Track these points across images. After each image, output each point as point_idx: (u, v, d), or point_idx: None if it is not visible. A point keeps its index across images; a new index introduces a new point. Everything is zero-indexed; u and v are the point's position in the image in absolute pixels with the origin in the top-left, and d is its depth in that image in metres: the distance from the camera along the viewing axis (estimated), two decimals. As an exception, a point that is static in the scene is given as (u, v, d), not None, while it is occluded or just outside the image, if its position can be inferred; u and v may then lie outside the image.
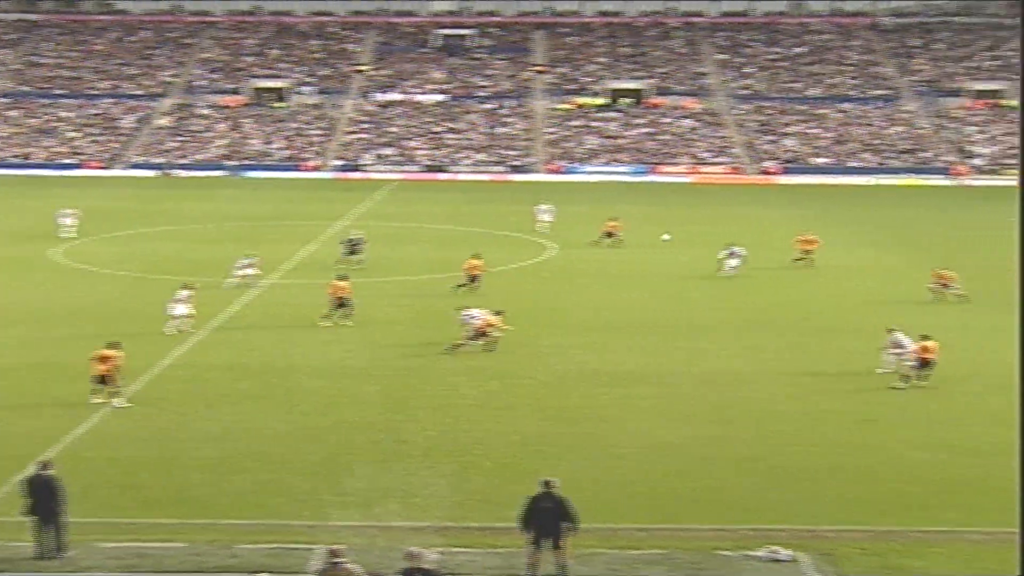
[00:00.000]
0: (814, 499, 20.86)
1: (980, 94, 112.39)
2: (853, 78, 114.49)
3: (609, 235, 54.33)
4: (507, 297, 39.18)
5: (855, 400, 27.44)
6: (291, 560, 17.98)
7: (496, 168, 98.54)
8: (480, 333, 32.02)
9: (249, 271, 42.14)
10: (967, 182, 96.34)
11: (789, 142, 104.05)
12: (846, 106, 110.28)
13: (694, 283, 44.16)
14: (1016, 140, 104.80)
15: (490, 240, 56.21)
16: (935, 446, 23.86)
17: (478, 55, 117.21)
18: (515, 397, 27.63)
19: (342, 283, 36.20)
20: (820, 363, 31.17)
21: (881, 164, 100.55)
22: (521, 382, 28.98)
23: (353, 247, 46.89)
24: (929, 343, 28.99)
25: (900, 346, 29.28)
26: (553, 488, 17.42)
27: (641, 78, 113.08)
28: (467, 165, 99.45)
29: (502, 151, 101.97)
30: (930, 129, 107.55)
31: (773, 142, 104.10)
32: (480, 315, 32.57)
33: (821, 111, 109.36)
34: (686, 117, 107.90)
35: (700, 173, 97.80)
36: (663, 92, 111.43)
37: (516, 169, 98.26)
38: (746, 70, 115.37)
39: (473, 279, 40.75)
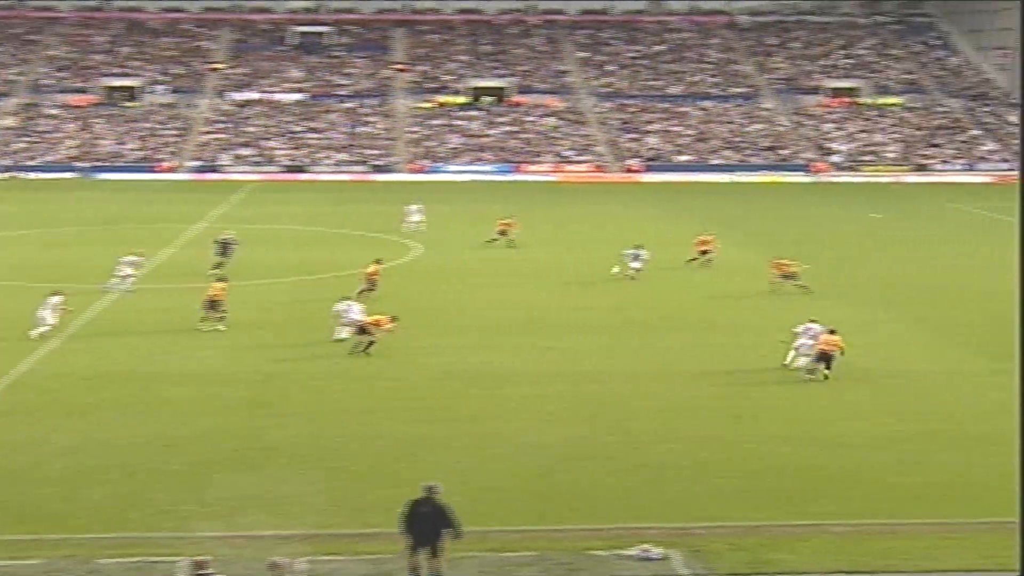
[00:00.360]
0: (684, 496, 21.18)
1: (836, 92, 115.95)
2: (713, 76, 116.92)
3: (502, 233, 54.13)
4: (375, 299, 38.95)
5: (721, 396, 27.99)
6: (154, 573, 17.56)
7: (358, 168, 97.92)
8: (361, 330, 31.73)
9: (130, 271, 41.26)
10: (826, 179, 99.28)
11: (651, 140, 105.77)
12: (707, 104, 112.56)
13: (563, 283, 44.50)
14: (872, 137, 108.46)
15: (354, 241, 55.83)
16: (801, 440, 24.47)
17: (336, 53, 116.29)
18: (384, 399, 27.48)
19: (219, 284, 35.96)
20: (685, 360, 31.72)
21: (742, 161, 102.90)
22: (390, 384, 28.84)
23: (225, 248, 45.96)
24: (832, 337, 29.61)
25: (815, 338, 29.73)
26: (435, 494, 17.31)
27: (503, 76, 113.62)
28: (328, 165, 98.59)
29: (363, 151, 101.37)
30: (789, 127, 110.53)
31: (636, 140, 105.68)
32: (357, 309, 32.60)
33: (682, 109, 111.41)
34: (549, 115, 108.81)
35: (564, 172, 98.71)
36: (525, 90, 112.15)
37: (378, 169, 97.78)
38: (607, 68, 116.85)
39: (371, 284, 40.34)
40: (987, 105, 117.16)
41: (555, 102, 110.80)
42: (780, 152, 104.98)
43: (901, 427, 25.39)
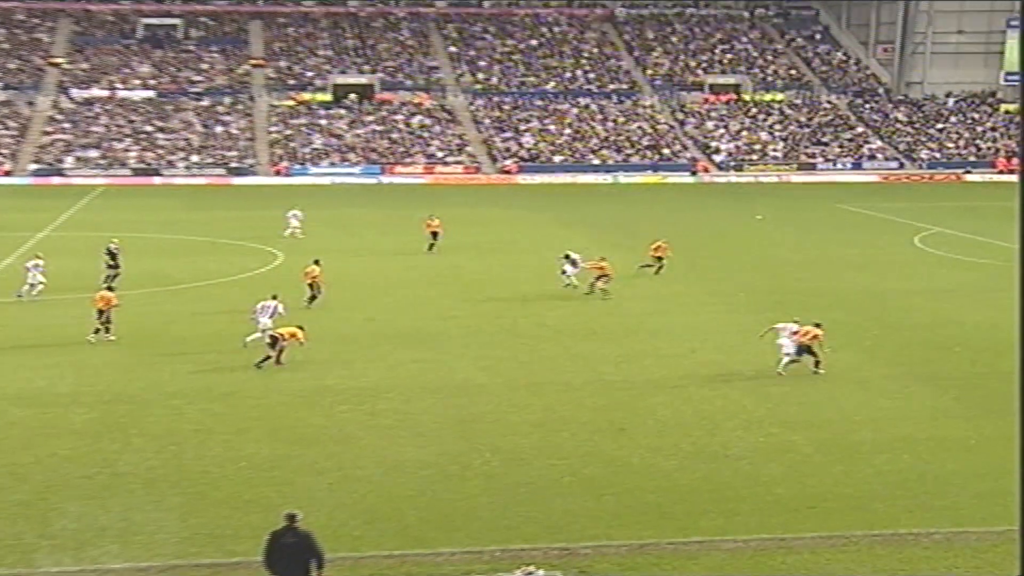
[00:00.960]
0: (568, 514, 21.31)
1: (718, 88, 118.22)
2: (590, 72, 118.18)
3: (435, 235, 54.35)
4: (235, 311, 38.46)
5: (604, 408, 28.27)
6: (-6, 616, 17.06)
7: (215, 171, 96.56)
8: (275, 340, 31.80)
9: (38, 274, 41.09)
10: (710, 179, 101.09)
11: (527, 139, 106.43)
12: (584, 101, 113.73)
13: (435, 292, 44.48)
14: (756, 135, 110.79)
15: (214, 249, 55.02)
16: (687, 452, 24.83)
17: (188, 47, 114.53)
18: (246, 419, 27.13)
19: (106, 294, 35.96)
20: (565, 371, 31.97)
21: (623, 161, 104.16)
22: (254, 402, 28.49)
23: (114, 257, 45.19)
24: (812, 330, 31.47)
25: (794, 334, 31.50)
26: (297, 522, 16.99)
27: (368, 72, 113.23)
28: (182, 168, 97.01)
29: (221, 152, 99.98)
30: (671, 125, 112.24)
31: (511, 139, 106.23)
32: (281, 309, 33.25)
33: (559, 106, 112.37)
34: (418, 114, 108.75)
35: (436, 173, 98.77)
36: (392, 87, 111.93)
37: (237, 172, 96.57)
38: (479, 64, 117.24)
39: (312, 288, 40.53)
40: (872, 101, 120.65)
41: (425, 99, 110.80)
42: (662, 151, 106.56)
43: (790, 436, 25.93)
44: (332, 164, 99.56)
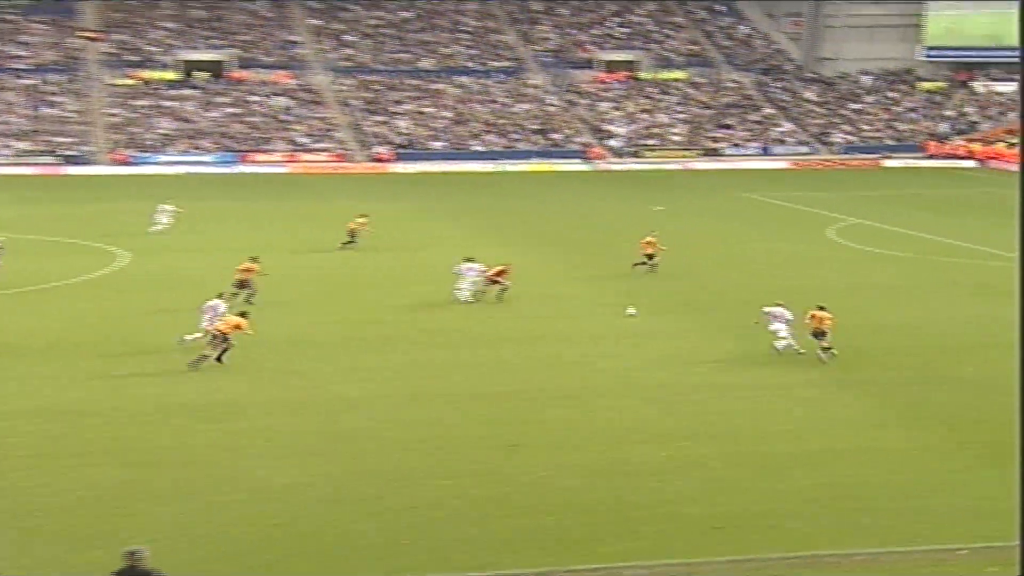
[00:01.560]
0: (457, 541, 21.33)
1: (612, 66, 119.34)
2: (470, 48, 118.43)
3: (352, 235, 54.48)
4: (70, 318, 37.80)
5: (497, 422, 28.34)
6: None
7: (44, 159, 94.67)
8: (222, 337, 32.59)
9: None
10: (605, 166, 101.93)
11: (402, 123, 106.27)
12: (464, 80, 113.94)
13: (299, 294, 44.18)
14: (654, 117, 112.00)
15: (45, 248, 53.98)
16: (587, 470, 24.99)
17: (8, 16, 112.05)
18: (87, 441, 26.67)
19: None
20: (454, 381, 31.99)
21: (508, 147, 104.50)
22: (96, 421, 28.02)
23: None
24: (822, 313, 34.21)
25: (785, 320, 34.53)
26: (139, 560, 16.45)
27: (220, 48, 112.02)
28: (6, 156, 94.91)
29: (51, 138, 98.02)
30: (560, 106, 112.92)
31: (384, 123, 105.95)
32: (221, 308, 34.06)
33: (436, 86, 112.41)
34: (278, 94, 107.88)
35: (300, 162, 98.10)
36: (248, 64, 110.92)
37: (71, 160, 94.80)
38: (346, 39, 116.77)
39: (243, 285, 41.07)
40: (780, 79, 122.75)
41: (285, 78, 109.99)
42: (551, 136, 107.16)
43: (700, 450, 26.25)
44: (181, 151, 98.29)
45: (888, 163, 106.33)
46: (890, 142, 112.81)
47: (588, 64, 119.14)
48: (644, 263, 48.33)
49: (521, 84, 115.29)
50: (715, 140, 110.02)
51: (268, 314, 40.43)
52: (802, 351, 34.24)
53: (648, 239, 48.98)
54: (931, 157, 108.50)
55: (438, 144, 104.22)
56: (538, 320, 39.80)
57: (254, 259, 42.68)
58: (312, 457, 25.76)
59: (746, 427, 27.99)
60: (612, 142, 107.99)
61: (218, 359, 32.70)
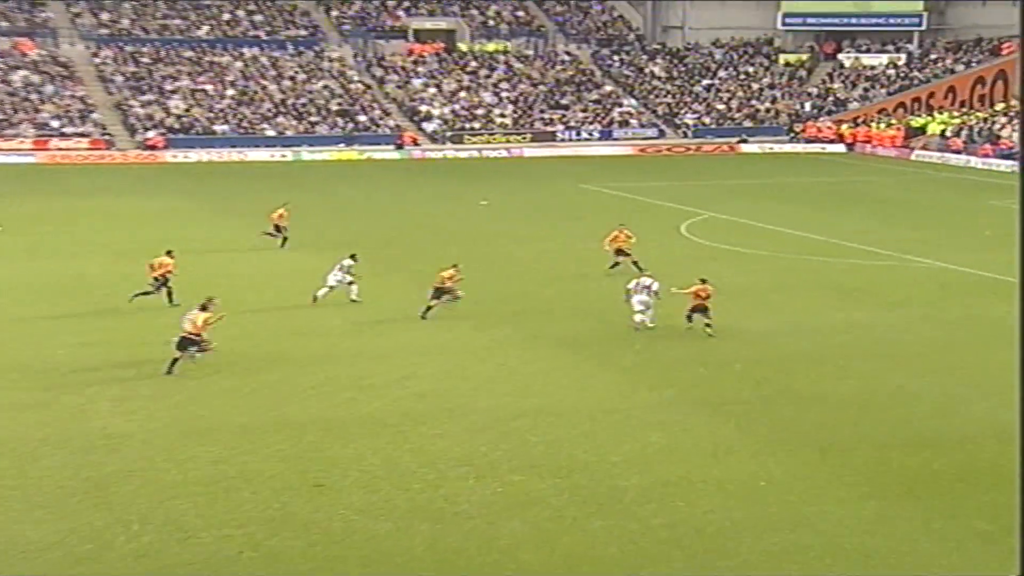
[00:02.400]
0: (248, 601, 21.08)
1: (425, 35, 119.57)
2: (257, 14, 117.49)
3: (278, 229, 55.76)
4: None
5: (293, 457, 28.06)
6: None
7: None
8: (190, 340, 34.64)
9: None
10: (421, 154, 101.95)
11: (176, 103, 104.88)
12: (251, 52, 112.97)
13: (50, 307, 43.32)
14: (477, 96, 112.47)
15: None
16: (401, 511, 24.83)
17: None
18: None
19: None
20: (237, 411, 31.62)
21: (306, 132, 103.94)
22: None
23: None
24: (702, 287, 39.29)
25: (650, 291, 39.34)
26: None
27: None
28: None
29: None
30: (366, 84, 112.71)
31: (153, 103, 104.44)
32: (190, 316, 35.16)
33: (217, 59, 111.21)
34: (20, 68, 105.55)
35: (52, 149, 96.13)
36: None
37: None
38: (105, 1, 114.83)
39: (163, 282, 42.93)
40: (622, 52, 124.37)
41: (29, 48, 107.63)
42: (357, 119, 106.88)
43: (535, 485, 26.29)
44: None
45: (746, 148, 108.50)
46: (748, 124, 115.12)
47: (399, 34, 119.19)
48: (617, 263, 49.25)
49: (319, 58, 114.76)
50: (547, 122, 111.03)
51: (10, 334, 39.50)
52: (651, 325, 39.51)
53: (616, 233, 50.14)
54: (794, 140, 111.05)
55: (221, 128, 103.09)
56: (342, 336, 39.58)
57: (169, 253, 43.80)
58: (69, 506, 25.16)
59: (587, 457, 28.12)
60: (428, 125, 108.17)
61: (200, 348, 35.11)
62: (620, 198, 75.09)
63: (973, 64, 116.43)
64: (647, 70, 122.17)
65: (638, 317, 39.55)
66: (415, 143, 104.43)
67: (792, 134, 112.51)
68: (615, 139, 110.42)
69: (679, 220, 64.26)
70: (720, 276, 49.61)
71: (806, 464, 27.63)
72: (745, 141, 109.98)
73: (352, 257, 44.80)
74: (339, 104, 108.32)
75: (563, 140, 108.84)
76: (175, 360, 34.74)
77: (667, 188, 78.67)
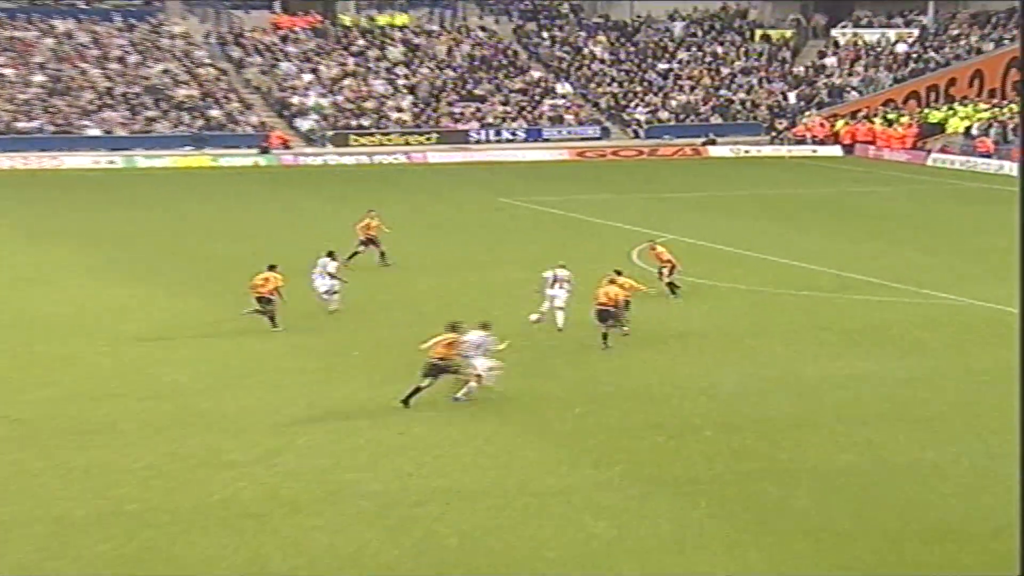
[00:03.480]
0: None
1: (298, 5, 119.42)
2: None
3: (370, 242, 58.42)
4: None
5: (126, 562, 27.86)
6: None
7: None
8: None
9: None
10: (294, 160, 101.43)
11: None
12: (65, 25, 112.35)
13: None
14: (368, 84, 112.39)
15: None
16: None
17: None
18: None
19: None
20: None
21: (143, 132, 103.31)
22: None
23: None
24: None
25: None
26: None
27: None
28: None
29: None
30: (221, 68, 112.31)
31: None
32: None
33: (23, 33, 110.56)
34: None
35: None
36: None
37: None
38: None
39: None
40: (553, 28, 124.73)
41: None
42: (208, 114, 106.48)
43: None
44: None
45: (715, 151, 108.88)
46: (717, 120, 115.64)
47: (262, 2, 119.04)
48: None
49: (156, 33, 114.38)
50: (458, 118, 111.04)
51: None
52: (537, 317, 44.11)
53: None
54: (777, 140, 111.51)
55: (27, 126, 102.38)
56: (202, 395, 39.39)
57: (273, 268, 47.67)
58: None
59: (518, 553, 28.01)
60: (302, 123, 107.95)
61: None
62: (552, 216, 75.07)
63: (1005, 42, 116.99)
64: (586, 50, 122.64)
65: (555, 313, 44.78)
66: (285, 145, 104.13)
67: (774, 132, 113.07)
68: (546, 140, 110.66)
69: (629, 244, 64.13)
70: (684, 317, 49.85)
71: (797, 557, 27.69)
72: (713, 142, 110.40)
73: (330, 255, 49.06)
74: (185, 94, 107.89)
75: (478, 141, 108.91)
76: (418, 389, 37.80)
77: (614, 203, 78.86)
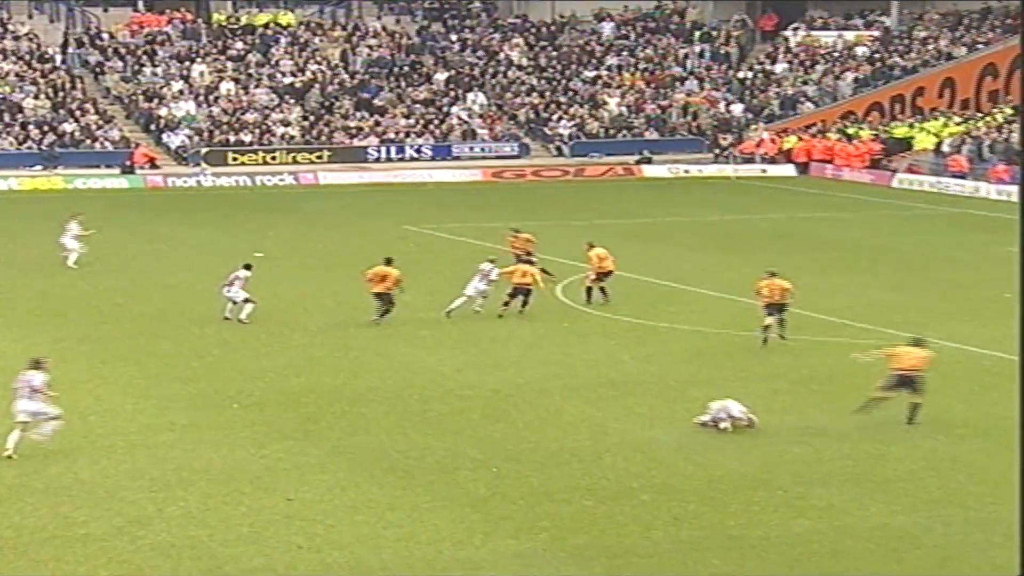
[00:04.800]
0: None
1: (162, 5, 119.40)
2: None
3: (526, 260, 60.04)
4: None
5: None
6: None
7: None
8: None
9: None
10: (164, 181, 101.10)
11: None
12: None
13: None
14: (247, 94, 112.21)
15: None
16: None
17: None
18: None
19: None
20: None
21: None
22: None
23: None
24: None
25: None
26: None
27: None
28: None
29: None
30: (76, 73, 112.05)
31: None
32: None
33: None
34: None
35: None
36: None
37: None
38: None
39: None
40: (463, 29, 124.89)
41: None
42: (61, 128, 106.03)
43: None
44: None
45: (650, 170, 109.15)
46: (652, 135, 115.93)
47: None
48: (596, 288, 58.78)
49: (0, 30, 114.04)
50: (353, 132, 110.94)
51: None
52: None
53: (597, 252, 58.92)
54: (721, 157, 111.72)
55: None
56: (51, 458, 39.10)
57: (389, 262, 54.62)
58: None
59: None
60: (172, 138, 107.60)
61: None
62: (463, 244, 75.14)
63: (980, 46, 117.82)
64: (502, 55, 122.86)
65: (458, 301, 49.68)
66: (152, 164, 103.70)
67: (717, 149, 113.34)
68: (456, 158, 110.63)
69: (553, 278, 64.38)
70: (617, 361, 49.95)
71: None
72: (648, 160, 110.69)
73: (247, 267, 52.55)
74: (34, 107, 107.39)
75: (377, 160, 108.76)
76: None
77: (534, 231, 78.86)
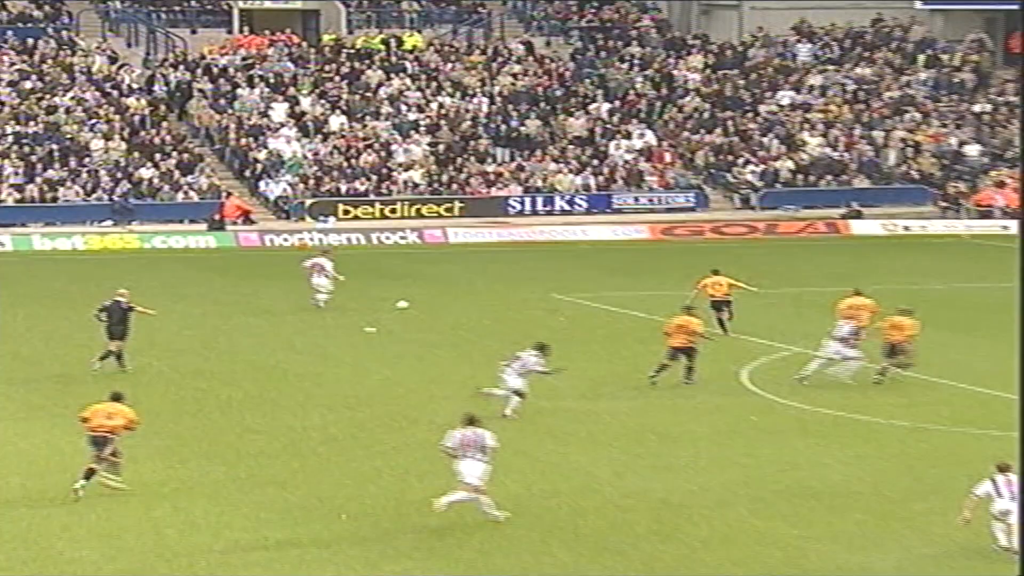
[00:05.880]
0: None
1: (266, 19, 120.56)
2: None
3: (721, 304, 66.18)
4: None
5: None
6: None
7: None
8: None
9: None
10: (256, 239, 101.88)
11: None
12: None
13: None
14: (364, 128, 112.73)
15: None
16: None
17: None
18: None
19: None
20: None
21: (42, 197, 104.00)
22: None
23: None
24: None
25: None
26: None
27: None
28: None
29: None
30: (155, 101, 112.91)
31: None
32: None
33: None
34: None
35: None
36: None
37: None
38: None
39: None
40: (627, 48, 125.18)
41: None
42: (137, 173, 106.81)
43: None
44: None
45: (859, 226, 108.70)
46: (862, 181, 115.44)
47: (219, 19, 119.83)
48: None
49: (68, 50, 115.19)
50: (491, 180, 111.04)
51: None
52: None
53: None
54: (951, 209, 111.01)
55: None
56: None
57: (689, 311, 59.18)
58: None
59: None
60: (272, 187, 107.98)
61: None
62: (626, 317, 75.14)
63: None
64: (677, 79, 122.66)
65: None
66: (247, 218, 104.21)
67: (947, 201, 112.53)
68: (617, 210, 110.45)
69: (738, 360, 64.22)
70: (815, 465, 49.65)
71: None
72: (858, 215, 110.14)
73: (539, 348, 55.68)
74: (104, 146, 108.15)
75: (520, 213, 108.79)
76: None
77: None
